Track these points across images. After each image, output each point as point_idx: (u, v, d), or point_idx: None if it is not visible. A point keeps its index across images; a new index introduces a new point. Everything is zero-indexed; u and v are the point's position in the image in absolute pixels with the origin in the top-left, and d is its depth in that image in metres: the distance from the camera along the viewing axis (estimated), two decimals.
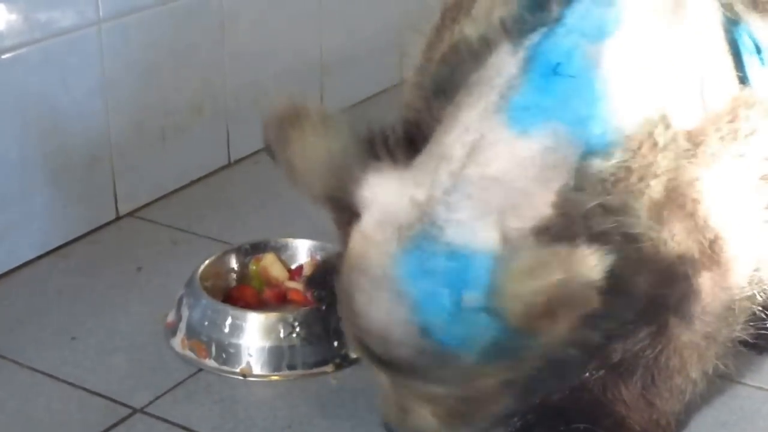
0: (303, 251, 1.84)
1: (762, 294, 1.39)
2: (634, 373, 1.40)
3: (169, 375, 1.62)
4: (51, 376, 1.63)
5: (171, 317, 1.74)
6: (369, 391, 1.55)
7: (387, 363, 1.26)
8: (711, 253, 1.31)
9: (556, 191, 1.21)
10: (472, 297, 1.17)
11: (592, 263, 1.14)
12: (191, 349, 1.68)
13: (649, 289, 1.28)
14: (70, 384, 1.61)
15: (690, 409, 1.49)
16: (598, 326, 1.24)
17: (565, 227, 1.20)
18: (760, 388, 1.60)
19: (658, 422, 1.43)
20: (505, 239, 1.19)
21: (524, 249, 1.17)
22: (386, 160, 1.26)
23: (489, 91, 1.25)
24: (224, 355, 1.66)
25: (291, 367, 1.66)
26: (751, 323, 1.41)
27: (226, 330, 1.67)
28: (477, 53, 1.29)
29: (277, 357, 1.66)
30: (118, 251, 1.97)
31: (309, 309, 1.70)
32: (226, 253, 1.82)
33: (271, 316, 1.68)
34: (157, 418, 1.54)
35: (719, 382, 1.54)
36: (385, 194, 1.23)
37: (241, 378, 1.65)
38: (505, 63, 1.26)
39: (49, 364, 1.66)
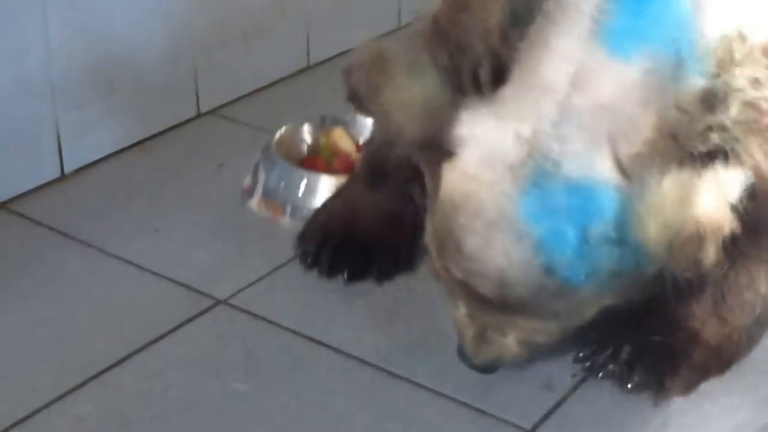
0: (370, 127, 1.88)
1: None
2: (705, 290, 1.41)
3: (251, 269, 1.69)
4: (136, 265, 1.70)
5: (247, 181, 1.85)
6: None
7: (495, 303, 1.26)
8: None
9: (657, 113, 1.20)
10: (599, 230, 1.17)
11: (734, 184, 1.14)
12: (267, 209, 1.80)
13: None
14: (154, 274, 1.68)
15: (762, 324, 1.51)
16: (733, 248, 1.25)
17: (670, 149, 1.20)
18: None
19: (731, 337, 1.44)
20: (620, 168, 1.18)
21: (653, 177, 1.16)
22: (476, 96, 1.25)
23: (579, 17, 1.21)
24: (299, 215, 1.76)
25: None
26: None
27: (301, 192, 1.78)
28: None
29: None
30: (199, 147, 2.05)
31: None
32: (300, 124, 1.92)
33: (342, 179, 1.77)
34: (240, 309, 1.61)
35: None
36: (484, 131, 1.21)
37: None
38: None
39: (133, 254, 1.73)
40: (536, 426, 1.39)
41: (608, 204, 1.17)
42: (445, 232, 1.24)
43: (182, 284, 1.65)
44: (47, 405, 1.40)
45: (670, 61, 1.20)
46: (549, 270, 1.19)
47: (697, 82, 1.22)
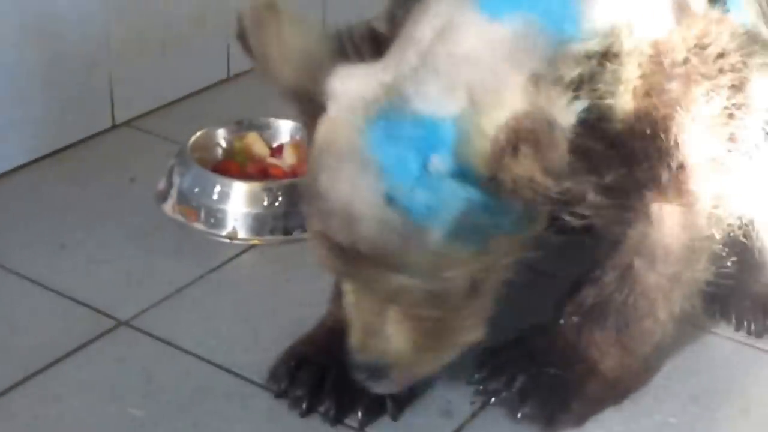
0: (284, 131, 1.95)
1: (721, 233, 1.39)
2: (607, 317, 1.41)
3: (156, 288, 1.66)
4: (39, 283, 1.67)
5: (162, 185, 1.84)
6: None
7: (350, 250, 1.22)
8: (676, 182, 1.33)
9: (525, 73, 1.20)
10: (439, 160, 1.17)
11: (560, 105, 1.17)
12: (181, 214, 1.79)
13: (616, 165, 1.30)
14: (56, 292, 1.65)
15: (660, 356, 1.51)
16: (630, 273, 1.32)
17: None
18: (730, 339, 1.61)
19: (630, 366, 1.45)
20: (473, 105, 1.19)
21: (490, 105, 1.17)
22: (355, 58, 1.29)
23: None
24: (212, 220, 1.78)
25: (273, 232, 1.77)
26: (713, 264, 1.41)
27: (215, 197, 1.78)
28: None
29: (260, 222, 1.76)
30: (112, 159, 2.01)
31: (290, 181, 1.80)
32: (213, 128, 1.93)
33: (255, 185, 1.79)
34: (142, 331, 1.57)
35: (691, 330, 1.58)
36: (354, 82, 1.23)
37: (227, 241, 1.76)
38: None
39: (36, 270, 1.69)
40: None
41: (449, 136, 1.17)
42: (310, 180, 1.25)
43: (84, 304, 1.61)
44: None
45: (547, 31, 1.22)
46: (390, 199, 1.17)
47: (575, 55, 1.24)
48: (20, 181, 1.93)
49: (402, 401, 1.43)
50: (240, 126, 1.94)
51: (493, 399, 1.42)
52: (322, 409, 1.41)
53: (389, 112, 1.19)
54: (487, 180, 1.15)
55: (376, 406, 1.41)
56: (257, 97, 2.22)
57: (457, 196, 1.17)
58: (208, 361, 1.50)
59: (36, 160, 1.97)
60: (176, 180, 1.82)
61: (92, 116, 2.08)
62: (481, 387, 1.43)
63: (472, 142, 1.16)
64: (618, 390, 1.45)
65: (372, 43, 1.32)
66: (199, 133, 1.90)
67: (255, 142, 1.91)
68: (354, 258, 1.22)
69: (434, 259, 1.21)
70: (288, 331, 1.53)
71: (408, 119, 1.18)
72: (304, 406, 1.42)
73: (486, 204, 1.18)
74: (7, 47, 1.92)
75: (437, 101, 1.18)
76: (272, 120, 1.95)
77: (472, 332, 1.32)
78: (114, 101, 2.11)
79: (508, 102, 1.16)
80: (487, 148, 1.14)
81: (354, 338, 1.32)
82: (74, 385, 1.45)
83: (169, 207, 1.81)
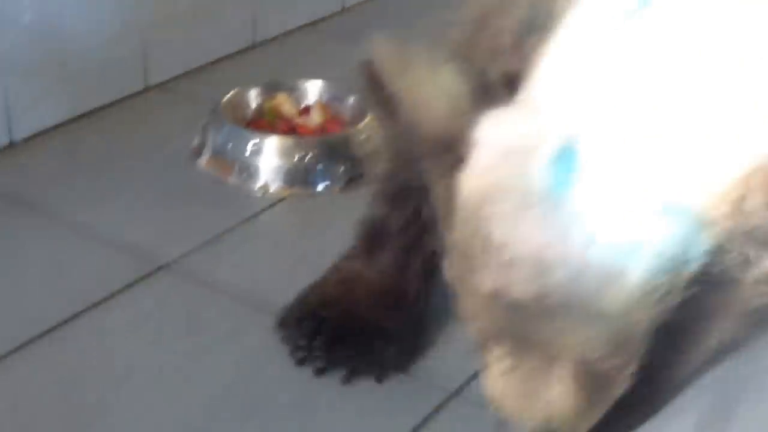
0: (312, 92, 2.05)
1: None
2: None
3: (196, 234, 1.75)
4: (82, 230, 1.75)
5: (195, 142, 1.94)
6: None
7: (533, 304, 1.13)
8: None
9: None
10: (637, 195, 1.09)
11: None
12: (215, 168, 1.90)
13: None
14: (100, 238, 1.73)
15: None
16: None
17: None
18: None
19: None
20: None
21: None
22: (490, 102, 1.18)
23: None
24: (245, 174, 1.87)
25: (304, 185, 1.87)
26: None
27: (248, 152, 1.88)
28: None
29: (292, 176, 1.86)
30: (146, 120, 2.10)
31: (320, 137, 1.91)
32: (244, 89, 2.02)
33: (287, 140, 1.89)
34: (184, 274, 1.66)
35: None
36: (500, 130, 1.14)
37: (260, 194, 1.86)
38: None
39: (80, 219, 1.76)
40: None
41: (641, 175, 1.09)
42: (470, 233, 1.16)
43: (127, 249, 1.70)
44: None
45: None
46: (590, 239, 1.08)
47: None
48: (61, 137, 2.02)
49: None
50: (270, 87, 2.03)
51: None
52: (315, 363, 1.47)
53: (563, 156, 1.10)
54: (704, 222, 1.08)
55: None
56: (284, 62, 2.36)
57: (662, 234, 1.09)
58: (245, 302, 1.59)
59: (75, 119, 2.06)
60: (210, 137, 1.92)
61: (126, 78, 2.16)
62: None
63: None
64: None
65: (507, 84, 1.21)
66: (231, 94, 2.00)
67: (284, 103, 2.01)
68: (533, 314, 1.13)
69: (629, 301, 1.12)
70: (318, 274, 1.60)
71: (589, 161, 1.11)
72: (300, 357, 1.48)
73: (693, 242, 1.09)
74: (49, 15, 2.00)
75: (617, 143, 1.10)
76: (300, 82, 2.04)
77: (624, 384, 1.21)
78: (146, 65, 2.20)
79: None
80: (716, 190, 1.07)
81: (509, 409, 1.23)
82: (121, 323, 1.54)
83: (203, 162, 1.91)
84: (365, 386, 1.46)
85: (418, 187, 1.28)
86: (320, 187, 1.87)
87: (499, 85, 1.18)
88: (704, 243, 1.07)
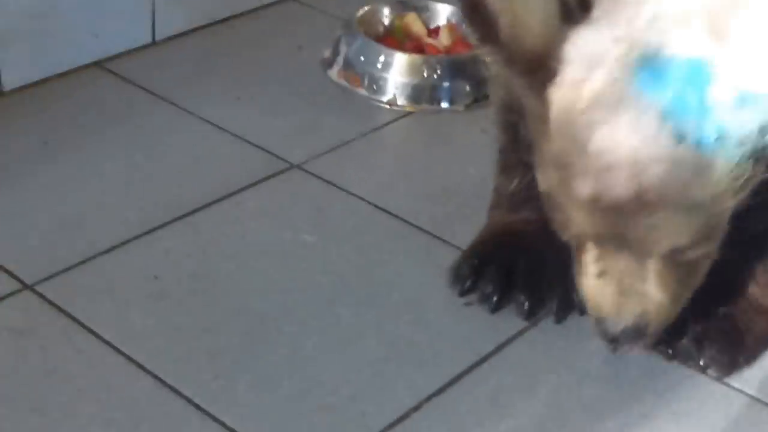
0: (442, 14, 2.12)
1: None
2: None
3: (325, 138, 1.86)
4: (218, 126, 1.86)
5: (328, 53, 2.04)
6: (491, 130, 1.81)
7: (631, 202, 1.20)
8: None
9: None
10: (717, 91, 1.16)
11: None
12: (346, 79, 1.99)
13: None
14: (234, 135, 1.85)
15: None
16: None
17: None
18: None
19: None
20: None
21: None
22: (571, 19, 1.24)
23: None
24: (375, 87, 1.97)
25: (429, 102, 1.96)
26: None
27: (379, 65, 1.96)
28: None
29: (419, 92, 1.95)
30: (281, 30, 2.20)
31: (447, 56, 2.00)
32: (377, 6, 2.11)
33: (416, 58, 1.98)
34: (312, 174, 1.76)
35: None
36: (585, 44, 1.21)
37: (387, 107, 1.95)
38: None
39: (216, 116, 1.89)
40: None
41: (721, 70, 1.16)
42: (566, 143, 1.23)
43: (260, 147, 1.80)
44: (137, 237, 1.58)
45: None
46: (680, 136, 1.16)
47: None
48: (198, 41, 2.12)
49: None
50: (402, 6, 2.11)
51: (670, 351, 1.46)
52: (512, 304, 1.50)
53: (648, 61, 1.18)
54: None
55: (567, 302, 1.50)
56: None
57: (744, 123, 1.17)
58: (370, 202, 1.69)
59: (212, 24, 2.16)
60: (343, 48, 2.01)
61: None
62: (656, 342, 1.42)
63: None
64: None
65: (581, 4, 1.26)
66: (364, 10, 2.08)
67: (414, 22, 2.09)
68: (630, 212, 1.21)
69: (718, 190, 1.21)
70: (439, 185, 1.74)
71: (669, 62, 1.17)
72: (494, 299, 1.50)
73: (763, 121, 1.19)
74: None
75: (694, 42, 1.17)
76: (431, 3, 2.12)
77: (706, 270, 1.34)
78: None
79: None
80: None
81: (607, 306, 1.32)
82: (253, 213, 1.65)
83: (334, 73, 2.01)
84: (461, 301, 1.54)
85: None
86: (445, 105, 1.95)
87: (575, 5, 1.23)
88: None
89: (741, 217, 1.25)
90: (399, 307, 1.51)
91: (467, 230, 1.62)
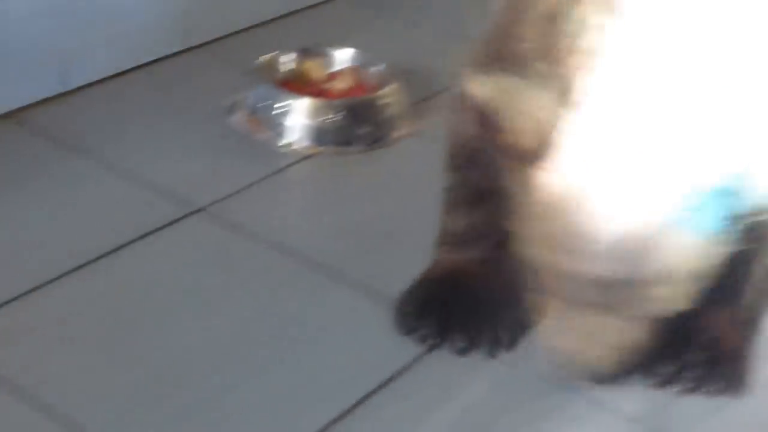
0: (341, 59, 2.21)
1: None
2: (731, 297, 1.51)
3: (231, 181, 1.92)
4: (126, 173, 1.91)
5: (232, 100, 2.11)
6: (388, 170, 1.99)
7: (621, 282, 1.28)
8: None
9: None
10: (716, 184, 1.25)
11: None
12: (250, 125, 2.07)
13: None
14: (142, 181, 1.89)
15: None
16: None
17: None
18: None
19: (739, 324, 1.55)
20: None
21: None
22: (563, 107, 1.29)
23: None
24: (277, 131, 2.05)
25: (330, 144, 2.04)
26: None
27: (281, 110, 2.05)
28: None
29: (320, 134, 2.04)
30: (186, 78, 2.25)
31: (347, 99, 2.08)
32: (278, 54, 2.19)
33: (317, 101, 2.06)
34: (218, 217, 1.82)
35: None
36: (575, 136, 1.26)
37: (289, 150, 2.03)
38: None
39: (125, 164, 1.93)
40: None
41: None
42: (554, 224, 1.29)
43: (167, 192, 1.86)
44: (47, 283, 1.63)
45: None
46: (677, 221, 1.24)
47: None
48: (108, 89, 2.18)
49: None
50: (302, 52, 2.19)
51: (676, 386, 1.52)
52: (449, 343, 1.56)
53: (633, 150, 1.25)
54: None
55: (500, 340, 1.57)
56: (317, 29, 2.51)
57: (738, 207, 1.27)
58: (274, 243, 1.76)
59: (120, 74, 2.22)
60: (246, 95, 2.09)
61: (169, 38, 2.31)
62: (659, 378, 1.52)
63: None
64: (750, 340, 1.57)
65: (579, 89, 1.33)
66: (265, 57, 2.16)
67: (314, 68, 2.18)
68: (616, 287, 1.29)
69: (710, 264, 1.30)
70: (340, 224, 1.82)
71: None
72: (432, 342, 1.57)
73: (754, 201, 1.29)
74: None
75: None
76: (330, 49, 2.21)
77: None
78: (187, 27, 2.34)
79: None
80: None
81: (572, 353, 1.40)
82: (161, 256, 1.71)
83: (239, 118, 2.08)
84: (363, 322, 1.61)
85: (491, 189, 1.43)
86: (343, 148, 2.04)
87: (561, 92, 1.29)
88: (752, 207, 1.28)
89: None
90: (303, 345, 1.57)
91: (368, 268, 1.71)
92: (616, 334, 1.36)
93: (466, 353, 1.57)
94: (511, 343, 1.57)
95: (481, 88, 1.32)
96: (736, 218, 1.28)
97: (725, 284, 1.48)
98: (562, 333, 1.39)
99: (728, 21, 1.26)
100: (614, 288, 1.29)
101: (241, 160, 1.98)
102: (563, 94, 1.28)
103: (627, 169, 1.25)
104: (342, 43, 2.24)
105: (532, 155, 1.28)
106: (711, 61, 1.26)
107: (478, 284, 1.58)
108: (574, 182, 1.27)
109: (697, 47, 1.26)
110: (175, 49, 2.33)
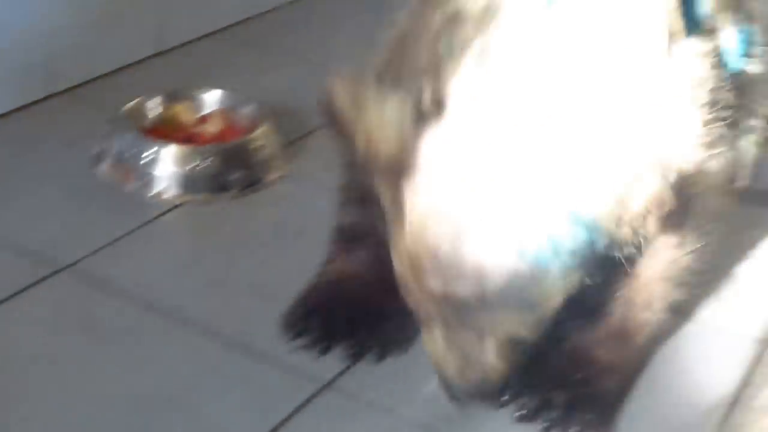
0: (210, 102, 2.15)
1: None
2: (607, 314, 1.55)
3: (95, 236, 1.83)
4: None
5: (97, 149, 2.03)
6: (262, 216, 1.92)
7: (474, 302, 1.33)
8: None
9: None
10: (560, 215, 1.30)
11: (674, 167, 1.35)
12: (117, 174, 1.98)
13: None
14: (1, 242, 1.81)
15: (655, 340, 1.65)
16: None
17: None
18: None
19: (631, 358, 1.59)
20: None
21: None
22: (425, 121, 1.32)
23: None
24: (145, 180, 1.97)
25: (200, 191, 1.97)
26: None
27: (147, 159, 1.97)
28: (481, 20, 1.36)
29: (189, 182, 1.96)
30: (50, 127, 2.16)
31: (215, 145, 2.01)
32: (145, 98, 2.11)
33: (184, 148, 1.99)
34: (83, 274, 1.74)
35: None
36: (438, 148, 1.30)
37: (158, 200, 1.95)
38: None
39: None
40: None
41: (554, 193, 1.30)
42: (419, 246, 1.33)
43: (27, 252, 1.77)
44: None
45: None
46: (521, 252, 1.30)
47: None
48: None
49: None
50: (170, 96, 2.12)
51: (538, 420, 1.52)
52: (337, 349, 1.59)
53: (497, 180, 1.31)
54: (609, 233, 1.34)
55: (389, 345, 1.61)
56: (188, 70, 2.45)
57: (573, 238, 1.32)
58: (141, 300, 1.68)
59: None
60: (112, 143, 2.00)
61: (31, 85, 2.23)
62: (523, 411, 1.53)
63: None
64: (628, 380, 1.60)
65: (437, 106, 1.36)
66: (132, 102, 2.08)
67: (183, 112, 2.11)
68: (474, 308, 1.35)
69: (547, 293, 1.35)
70: (210, 276, 1.75)
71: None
72: (319, 348, 1.59)
73: (592, 237, 1.33)
74: None
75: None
76: (199, 92, 2.14)
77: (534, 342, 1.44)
78: (51, 71, 2.26)
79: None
80: (614, 211, 1.33)
81: (451, 370, 1.42)
82: (22, 320, 1.62)
83: (104, 169, 2.00)
84: (248, 375, 1.56)
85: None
86: (215, 194, 1.97)
87: (432, 107, 1.33)
88: (602, 237, 1.34)
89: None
90: (177, 404, 1.50)
91: (242, 323, 1.64)
92: (479, 354, 1.40)
93: (356, 359, 1.59)
94: (399, 347, 1.61)
95: (341, 96, 1.32)
96: (588, 249, 1.33)
97: (589, 314, 1.55)
98: (434, 348, 1.42)
99: (584, 59, 1.32)
100: (473, 309, 1.34)
101: (109, 212, 1.90)
102: (425, 108, 1.33)
103: (486, 192, 1.29)
104: (211, 84, 2.17)
105: (393, 166, 1.31)
106: (569, 94, 1.31)
107: (364, 288, 1.62)
108: (432, 202, 1.30)
109: (562, 77, 1.31)
110: (37, 97, 2.24)
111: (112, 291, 1.70)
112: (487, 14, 1.35)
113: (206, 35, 2.61)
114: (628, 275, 1.51)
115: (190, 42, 2.57)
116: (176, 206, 1.94)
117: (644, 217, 1.36)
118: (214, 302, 1.70)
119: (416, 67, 1.39)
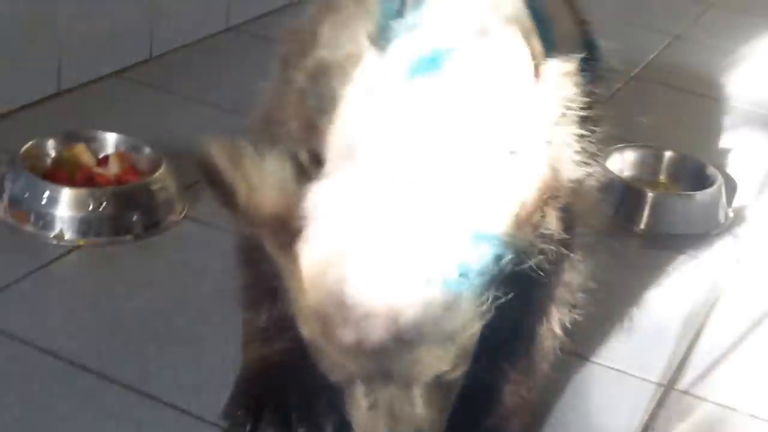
0: (110, 143, 2.13)
1: None
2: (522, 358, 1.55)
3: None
4: None
5: None
6: (162, 259, 1.91)
7: (390, 344, 1.29)
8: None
9: None
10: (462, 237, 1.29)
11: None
12: (12, 217, 1.96)
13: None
14: None
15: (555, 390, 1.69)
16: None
17: None
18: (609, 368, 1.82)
19: (535, 386, 1.59)
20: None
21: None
22: (306, 177, 1.32)
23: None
24: (41, 223, 1.94)
25: (98, 234, 1.95)
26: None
27: (44, 201, 1.95)
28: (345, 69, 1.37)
29: (86, 225, 1.94)
30: None
31: (113, 187, 2.00)
32: (43, 139, 2.09)
33: (81, 191, 1.97)
34: None
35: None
36: (323, 202, 1.29)
37: (55, 242, 1.93)
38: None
39: None
40: None
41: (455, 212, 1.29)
42: (322, 296, 1.30)
43: None
44: None
45: None
46: (427, 279, 1.27)
47: None
48: None
49: None
50: (69, 137, 2.11)
51: None
52: None
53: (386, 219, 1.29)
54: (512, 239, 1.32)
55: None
56: (88, 110, 2.42)
57: (481, 258, 1.29)
58: (36, 346, 1.66)
59: None
60: (8, 186, 1.98)
61: None
62: None
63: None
64: (533, 406, 1.62)
65: (314, 161, 1.37)
66: (30, 143, 2.06)
67: (82, 153, 2.09)
68: (392, 351, 1.30)
69: (467, 318, 1.31)
70: (106, 321, 1.74)
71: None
72: None
73: (497, 252, 1.31)
74: None
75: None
76: (99, 133, 2.13)
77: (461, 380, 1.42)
78: None
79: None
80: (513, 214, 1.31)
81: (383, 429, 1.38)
82: None
83: (1, 211, 1.97)
84: (144, 419, 1.55)
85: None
86: (114, 236, 1.95)
87: (309, 164, 1.34)
88: (506, 250, 1.30)
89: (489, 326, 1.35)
90: None
91: (141, 368, 1.64)
92: (408, 408, 1.35)
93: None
94: (332, 426, 1.57)
95: (219, 157, 1.30)
96: (496, 265, 1.31)
97: (509, 352, 1.54)
98: (358, 415, 1.37)
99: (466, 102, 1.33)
100: (388, 354, 1.30)
101: (4, 255, 1.87)
102: (305, 163, 1.34)
103: (378, 237, 1.28)
104: (111, 125, 2.16)
105: (279, 225, 1.30)
106: (449, 128, 1.32)
107: (301, 373, 1.55)
108: (328, 252, 1.28)
109: (439, 111, 1.32)
110: None
111: (6, 337, 1.67)
112: (351, 60, 1.36)
113: (107, 75, 2.59)
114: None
115: (90, 82, 2.54)
116: (74, 249, 1.92)
117: (542, 218, 1.34)
118: (114, 347, 1.68)
119: (289, 128, 1.42)
